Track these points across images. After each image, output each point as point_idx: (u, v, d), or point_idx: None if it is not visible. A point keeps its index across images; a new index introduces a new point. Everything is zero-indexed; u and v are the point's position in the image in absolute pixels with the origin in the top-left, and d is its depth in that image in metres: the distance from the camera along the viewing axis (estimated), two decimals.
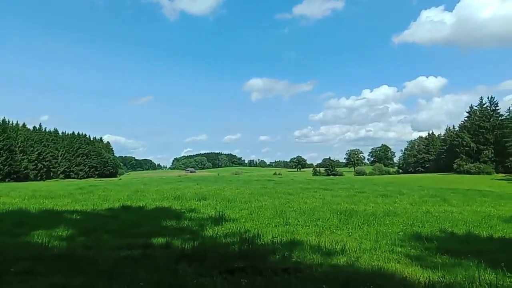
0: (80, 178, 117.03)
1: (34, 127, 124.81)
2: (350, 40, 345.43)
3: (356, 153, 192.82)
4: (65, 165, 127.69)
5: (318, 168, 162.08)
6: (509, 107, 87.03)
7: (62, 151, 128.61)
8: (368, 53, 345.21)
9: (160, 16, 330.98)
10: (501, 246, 9.21)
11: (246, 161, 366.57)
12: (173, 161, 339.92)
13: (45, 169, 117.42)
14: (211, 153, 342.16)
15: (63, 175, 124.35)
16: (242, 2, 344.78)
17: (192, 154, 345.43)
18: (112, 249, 8.23)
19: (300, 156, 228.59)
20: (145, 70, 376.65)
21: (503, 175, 70.45)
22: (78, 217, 13.83)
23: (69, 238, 9.66)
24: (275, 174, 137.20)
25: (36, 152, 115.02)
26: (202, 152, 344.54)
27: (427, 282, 5.87)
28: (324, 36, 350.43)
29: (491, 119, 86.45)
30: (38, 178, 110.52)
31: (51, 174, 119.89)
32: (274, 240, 9.27)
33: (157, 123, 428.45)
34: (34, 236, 9.59)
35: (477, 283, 5.73)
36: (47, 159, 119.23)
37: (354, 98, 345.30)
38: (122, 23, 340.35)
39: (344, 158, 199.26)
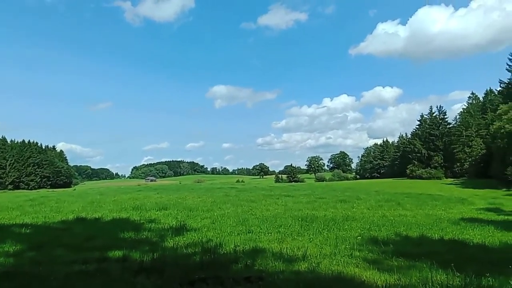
0: (31, 189, 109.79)
1: None
2: (312, 50, 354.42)
3: (317, 160, 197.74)
4: (14, 175, 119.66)
5: (280, 175, 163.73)
6: (456, 116, 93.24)
7: (11, 160, 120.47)
8: (329, 63, 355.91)
9: (122, 21, 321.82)
10: (451, 247, 9.80)
11: (208, 169, 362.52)
12: (132, 169, 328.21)
13: None
14: (172, 161, 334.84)
15: (12, 186, 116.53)
16: (208, 10, 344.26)
17: (152, 163, 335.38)
18: (64, 264, 7.76)
19: (263, 163, 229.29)
20: (105, 75, 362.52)
21: (452, 179, 74.96)
22: (28, 231, 12.97)
23: (17, 254, 9.02)
24: (238, 181, 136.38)
25: None
26: (163, 160, 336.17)
27: (384, 285, 6.10)
28: (287, 46, 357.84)
29: (440, 127, 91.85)
30: None
31: None
32: (237, 249, 9.23)
33: (115, 130, 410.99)
34: None
35: (430, 284, 6.01)
36: None
37: (315, 107, 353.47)
38: (82, 26, 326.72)
39: (305, 164, 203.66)
